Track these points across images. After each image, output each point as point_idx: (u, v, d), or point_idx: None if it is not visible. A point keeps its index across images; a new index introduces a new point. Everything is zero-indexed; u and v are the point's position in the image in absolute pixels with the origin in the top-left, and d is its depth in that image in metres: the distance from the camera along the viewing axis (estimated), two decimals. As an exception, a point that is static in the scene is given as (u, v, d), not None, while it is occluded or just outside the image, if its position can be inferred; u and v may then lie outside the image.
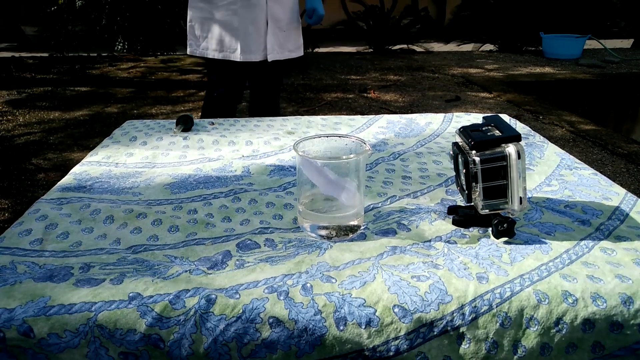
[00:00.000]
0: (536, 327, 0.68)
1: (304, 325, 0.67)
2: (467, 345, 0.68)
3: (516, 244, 0.82)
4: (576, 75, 5.25)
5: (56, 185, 1.06)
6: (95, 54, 6.27)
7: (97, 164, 1.17)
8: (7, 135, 3.40)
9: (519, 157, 0.79)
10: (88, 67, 5.64)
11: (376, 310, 0.68)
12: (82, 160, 1.20)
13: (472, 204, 0.86)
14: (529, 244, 0.82)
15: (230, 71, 2.12)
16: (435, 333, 0.68)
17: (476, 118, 1.52)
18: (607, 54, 6.28)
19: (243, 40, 2.02)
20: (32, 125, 3.64)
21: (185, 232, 0.87)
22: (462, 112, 1.59)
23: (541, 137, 1.38)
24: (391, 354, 0.67)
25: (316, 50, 6.22)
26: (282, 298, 0.69)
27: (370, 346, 0.67)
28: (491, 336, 0.68)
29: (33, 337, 0.65)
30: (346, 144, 0.88)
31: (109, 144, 1.32)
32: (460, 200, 0.99)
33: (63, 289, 0.70)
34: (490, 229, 0.85)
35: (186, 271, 0.75)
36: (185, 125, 1.40)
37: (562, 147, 2.30)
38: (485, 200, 0.82)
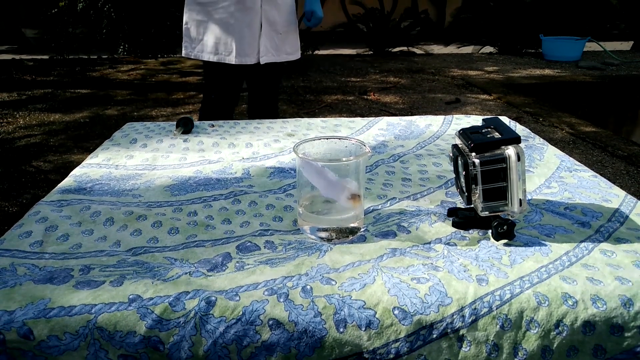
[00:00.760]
0: (536, 329, 0.68)
1: (303, 327, 0.67)
2: (467, 347, 0.68)
3: (516, 246, 0.82)
4: (576, 78, 5.26)
5: (56, 188, 1.06)
6: (96, 57, 6.28)
7: (97, 166, 1.17)
8: (8, 138, 3.40)
9: (518, 159, 0.79)
10: (88, 70, 5.64)
11: (376, 312, 0.68)
12: (82, 163, 1.20)
13: (472, 206, 0.86)
14: (529, 246, 0.82)
15: (226, 74, 2.12)
16: (435, 335, 0.68)
17: (476, 120, 1.52)
18: (606, 56, 6.29)
19: (238, 43, 2.01)
20: (32, 127, 3.64)
21: (185, 234, 0.87)
22: (462, 114, 1.59)
23: (541, 139, 1.38)
24: (391, 356, 0.67)
25: (316, 52, 6.23)
26: (282, 300, 0.69)
27: (370, 348, 0.67)
28: (491, 338, 0.68)
29: (33, 339, 0.65)
30: (346, 146, 0.89)
31: (109, 146, 1.32)
32: (460, 202, 0.99)
33: (63, 291, 0.70)
34: (490, 231, 0.85)
35: (186, 273, 0.75)
36: (185, 127, 1.40)
37: (561, 149, 2.30)
38: (485, 202, 0.82)
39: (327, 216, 0.86)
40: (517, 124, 1.50)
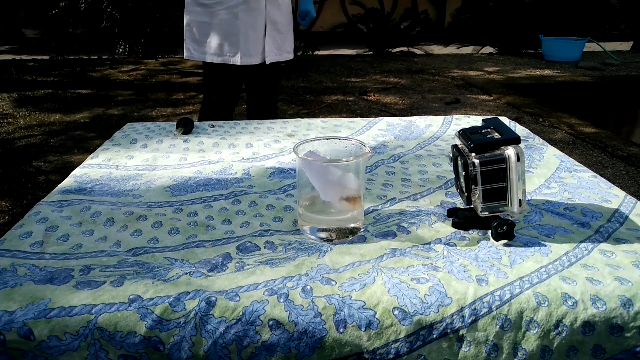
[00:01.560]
0: (536, 329, 0.68)
1: (303, 327, 0.67)
2: (467, 348, 0.68)
3: (516, 246, 0.82)
4: (576, 78, 5.26)
5: (57, 188, 1.06)
6: (96, 57, 6.29)
7: (97, 167, 1.17)
8: (8, 138, 3.40)
9: (518, 159, 0.79)
10: (89, 70, 5.64)
11: (376, 313, 0.68)
12: (83, 163, 1.20)
13: (472, 206, 0.86)
14: (529, 246, 0.82)
15: (229, 75, 2.12)
16: (435, 336, 0.68)
17: (476, 120, 1.52)
18: (606, 56, 6.29)
19: (243, 44, 2.02)
20: (32, 127, 3.64)
21: (185, 234, 0.87)
22: (462, 114, 1.59)
23: (541, 139, 1.38)
24: (391, 356, 0.67)
25: (316, 52, 6.23)
26: (282, 300, 0.69)
27: (370, 349, 0.67)
28: (491, 339, 0.68)
29: (33, 339, 0.65)
30: (346, 147, 0.89)
31: (109, 146, 1.32)
32: (459, 203, 0.99)
33: (63, 292, 0.70)
34: (489, 231, 0.85)
35: (186, 273, 0.75)
36: (186, 127, 1.40)
37: (561, 149, 2.30)
38: (485, 203, 0.82)
39: (327, 216, 0.86)
40: (517, 124, 1.50)
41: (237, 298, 0.69)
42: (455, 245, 0.83)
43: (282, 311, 0.68)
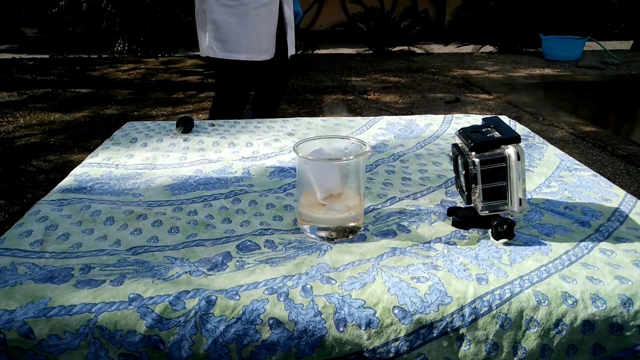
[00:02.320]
0: (536, 328, 0.69)
1: (304, 326, 0.67)
2: (467, 346, 0.68)
3: (516, 245, 0.82)
4: (576, 77, 5.26)
5: (56, 187, 1.06)
6: (96, 56, 6.28)
7: (97, 166, 1.17)
8: (8, 137, 3.40)
9: (518, 158, 0.79)
10: (88, 69, 5.64)
11: (376, 312, 0.68)
12: (83, 162, 1.20)
13: (472, 205, 0.86)
14: (529, 245, 0.82)
15: (249, 71, 2.22)
16: (435, 334, 0.68)
17: (476, 119, 1.52)
18: (606, 55, 6.29)
19: (265, 41, 2.16)
20: (32, 126, 3.64)
21: (185, 233, 0.87)
22: (462, 113, 1.59)
23: (541, 138, 1.38)
24: (391, 355, 0.67)
25: (316, 51, 6.22)
26: (282, 299, 0.69)
27: (370, 347, 0.67)
28: (491, 337, 0.68)
29: (33, 338, 0.65)
30: (346, 146, 0.89)
31: (109, 145, 1.32)
32: (460, 202, 0.99)
33: (63, 290, 0.70)
34: (489, 230, 0.85)
35: (186, 272, 0.75)
36: (186, 126, 1.40)
37: (561, 148, 2.29)
38: (485, 202, 0.82)
39: (327, 215, 0.86)
40: (517, 123, 1.50)
41: (237, 297, 0.69)
42: (455, 244, 0.83)
43: (282, 310, 0.68)
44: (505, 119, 1.45)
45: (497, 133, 0.83)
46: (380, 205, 0.98)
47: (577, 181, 1.08)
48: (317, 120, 1.54)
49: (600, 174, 1.18)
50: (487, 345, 0.68)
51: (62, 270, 0.75)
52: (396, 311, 0.68)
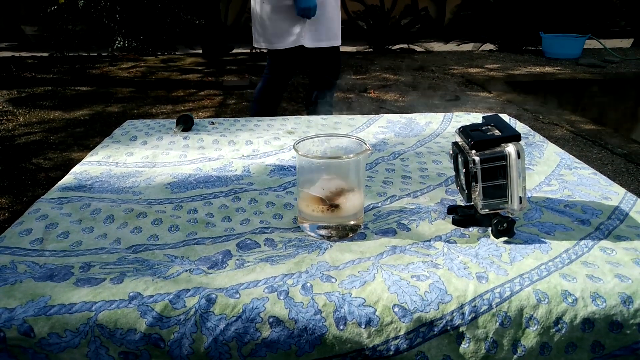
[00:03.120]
0: (536, 326, 0.69)
1: (304, 324, 0.67)
2: (467, 344, 0.68)
3: (516, 243, 0.82)
4: (576, 75, 5.25)
5: (56, 185, 1.06)
6: (96, 54, 6.28)
7: (97, 164, 1.17)
8: (8, 135, 3.40)
9: (518, 156, 0.79)
10: (88, 67, 5.64)
11: (376, 310, 0.68)
12: (83, 160, 1.20)
13: (472, 203, 0.86)
14: (529, 243, 0.82)
15: (292, 59, 2.48)
16: (435, 332, 0.68)
17: (476, 118, 1.52)
18: (606, 53, 6.28)
19: (308, 31, 2.37)
20: (32, 125, 3.64)
21: (185, 231, 0.87)
22: (462, 111, 1.59)
23: (541, 136, 1.38)
24: (391, 353, 0.67)
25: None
26: (282, 297, 0.69)
27: (370, 345, 0.67)
28: (491, 335, 0.68)
29: (33, 336, 0.65)
30: (346, 144, 0.89)
31: (109, 143, 1.32)
32: (460, 200, 0.99)
33: (63, 289, 0.70)
34: (490, 228, 0.85)
35: (186, 271, 0.75)
36: (186, 124, 1.40)
37: (561, 146, 2.29)
38: (485, 200, 0.82)
39: (327, 214, 0.86)
40: (517, 121, 1.50)
41: (237, 295, 0.69)
42: (455, 242, 0.83)
43: (282, 308, 0.68)
44: (505, 117, 1.45)
45: (497, 131, 0.83)
46: (380, 204, 0.98)
47: (577, 179, 1.08)
48: (317, 118, 1.54)
49: (601, 172, 1.18)
50: (487, 343, 0.68)
51: (62, 269, 0.75)
52: (396, 309, 0.68)
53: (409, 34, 6.95)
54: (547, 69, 5.61)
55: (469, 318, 0.68)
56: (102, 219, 0.91)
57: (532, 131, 1.43)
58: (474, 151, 0.81)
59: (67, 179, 1.09)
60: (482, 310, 0.69)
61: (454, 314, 0.68)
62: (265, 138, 1.34)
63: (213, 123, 1.47)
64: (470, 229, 0.88)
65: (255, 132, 1.40)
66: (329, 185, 0.84)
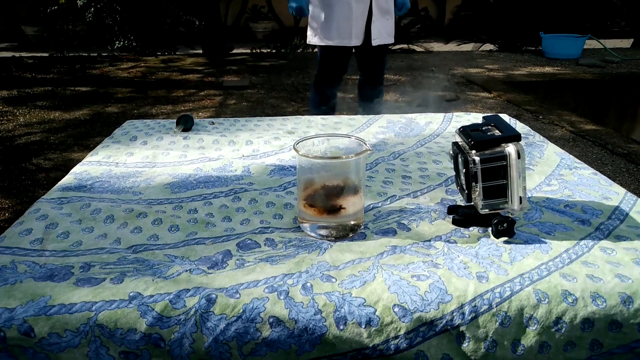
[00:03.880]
0: (535, 326, 0.69)
1: (304, 324, 0.67)
2: (467, 344, 0.68)
3: (516, 243, 0.82)
4: (576, 75, 5.25)
5: (56, 185, 1.06)
6: (96, 54, 6.28)
7: (97, 164, 1.17)
8: (8, 135, 3.40)
9: (518, 156, 0.79)
10: (88, 67, 5.64)
11: (376, 310, 0.68)
12: (83, 160, 1.20)
13: (472, 203, 0.86)
14: (529, 243, 0.82)
15: (341, 55, 2.61)
16: (435, 332, 0.68)
17: (476, 118, 1.52)
18: (607, 53, 6.28)
19: (355, 29, 2.47)
20: (32, 125, 3.64)
21: (185, 231, 0.87)
22: (462, 112, 1.59)
23: (541, 136, 1.38)
24: (391, 352, 0.67)
25: (316, 50, 6.21)
26: (282, 297, 0.69)
27: (370, 345, 0.67)
28: (491, 335, 0.68)
29: (33, 336, 0.65)
30: (346, 144, 0.89)
31: (109, 143, 1.32)
32: (460, 200, 0.99)
33: (63, 289, 0.70)
34: (490, 228, 0.85)
35: (186, 271, 0.75)
36: (186, 125, 1.40)
37: (562, 146, 2.29)
38: (485, 200, 0.82)
39: (327, 214, 0.86)
40: (517, 121, 1.50)
41: (238, 295, 0.69)
42: (455, 242, 0.83)
43: (283, 308, 0.68)
44: (505, 117, 1.45)
45: (497, 131, 0.83)
46: (380, 204, 0.98)
47: (577, 179, 1.08)
48: (317, 118, 1.54)
49: (601, 172, 1.18)
50: (487, 342, 0.68)
51: (62, 269, 0.75)
52: (396, 309, 0.68)
53: (409, 34, 6.95)
54: (547, 69, 5.62)
55: (469, 318, 0.68)
56: (102, 219, 0.91)
57: (532, 131, 1.43)
58: (474, 151, 0.81)
59: (67, 179, 1.09)
60: (482, 310, 0.69)
61: (454, 314, 0.68)
62: (266, 138, 1.34)
63: (213, 123, 1.47)
64: (471, 229, 0.88)
65: (255, 132, 1.40)
66: (329, 186, 0.84)
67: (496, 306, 0.69)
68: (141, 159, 1.21)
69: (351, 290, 0.70)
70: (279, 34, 7.53)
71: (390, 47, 2.96)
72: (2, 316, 0.66)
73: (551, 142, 1.35)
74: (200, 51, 6.54)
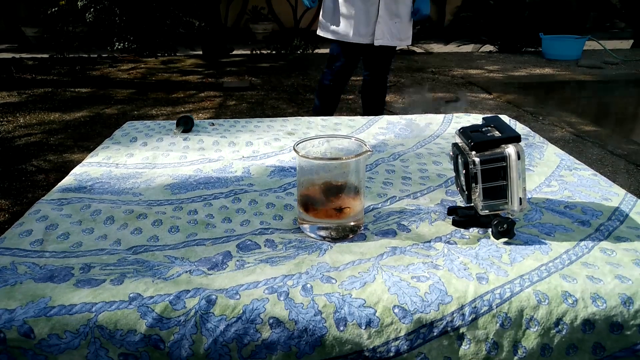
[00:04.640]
0: (536, 327, 0.68)
1: (304, 325, 0.67)
2: (467, 346, 0.68)
3: (516, 244, 0.82)
4: (576, 76, 5.26)
5: (57, 186, 1.06)
6: (96, 55, 6.28)
7: (97, 165, 1.17)
8: (8, 137, 3.40)
9: (518, 157, 0.79)
10: (88, 68, 5.64)
11: (376, 311, 0.68)
12: (83, 161, 1.20)
13: (472, 204, 0.86)
14: (529, 244, 0.82)
15: (346, 50, 2.64)
16: (435, 334, 0.68)
17: (476, 119, 1.52)
18: (606, 55, 6.29)
19: (355, 26, 2.53)
20: (32, 126, 3.64)
21: (185, 232, 0.87)
22: (462, 113, 1.59)
23: (541, 137, 1.38)
24: (391, 354, 0.67)
25: (316, 51, 6.22)
26: (282, 299, 0.69)
27: (371, 347, 0.67)
28: (491, 337, 0.68)
29: (33, 338, 0.65)
30: (346, 145, 0.89)
31: (109, 144, 1.32)
32: (460, 201, 0.99)
33: (63, 290, 0.70)
34: (490, 229, 0.85)
35: (186, 272, 0.75)
36: (186, 126, 1.40)
37: (561, 147, 2.28)
38: (485, 201, 0.82)
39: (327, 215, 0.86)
40: (517, 122, 1.50)
41: (238, 296, 0.69)
42: (455, 243, 0.83)
43: (283, 309, 0.68)
44: (505, 118, 1.45)
45: (497, 132, 0.83)
46: (380, 205, 0.98)
47: (577, 180, 1.08)
48: (317, 119, 1.54)
49: (601, 173, 1.18)
50: (488, 344, 0.68)
51: (62, 270, 0.75)
52: (396, 310, 0.68)
53: (408, 35, 6.94)
54: (547, 70, 5.62)
55: (469, 319, 0.68)
56: (103, 220, 0.91)
57: (532, 132, 1.43)
58: (474, 152, 0.81)
59: (67, 180, 1.09)
60: (482, 311, 0.69)
61: (454, 315, 0.68)
62: (266, 139, 1.34)
63: (213, 124, 1.47)
64: (471, 230, 0.87)
65: (255, 134, 1.40)
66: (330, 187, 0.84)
67: (496, 307, 0.69)
68: (141, 160, 1.21)
69: (351, 291, 0.70)
70: (279, 35, 7.54)
71: (397, 50, 3.00)
72: (2, 317, 0.66)
73: (551, 143, 1.35)
74: (200, 52, 6.55)
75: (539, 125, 3.64)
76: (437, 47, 7.37)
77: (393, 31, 2.57)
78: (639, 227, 0.88)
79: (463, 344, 0.68)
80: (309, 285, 0.71)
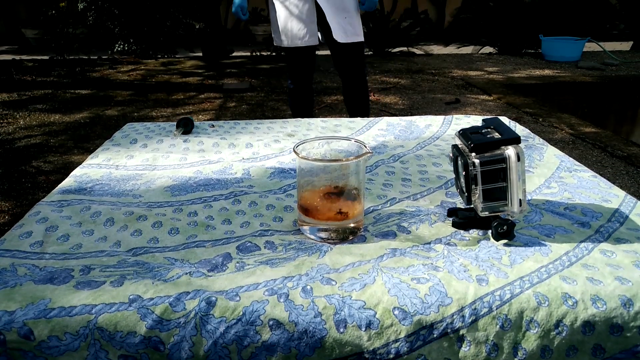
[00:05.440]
0: (536, 329, 0.68)
1: (304, 327, 0.67)
2: (467, 347, 0.68)
3: (516, 246, 0.82)
4: (575, 78, 5.26)
5: (57, 188, 1.06)
6: (96, 57, 6.29)
7: (97, 167, 1.17)
8: (8, 138, 3.40)
9: (518, 159, 0.79)
10: (88, 70, 5.64)
11: (376, 313, 0.68)
12: (83, 163, 1.20)
13: (472, 206, 0.86)
14: (529, 246, 0.82)
15: (299, 56, 2.59)
16: (435, 335, 0.68)
17: (476, 120, 1.52)
18: (606, 56, 6.29)
19: (297, 29, 2.44)
20: (32, 128, 3.64)
21: (185, 234, 0.87)
22: (462, 114, 1.59)
23: (541, 139, 1.38)
24: (391, 356, 0.67)
25: (316, 52, 6.22)
26: (282, 300, 0.69)
27: (371, 348, 0.67)
28: (491, 338, 0.68)
29: (33, 339, 0.65)
30: (346, 147, 0.89)
31: (109, 146, 1.32)
32: (460, 203, 0.99)
33: (63, 292, 0.70)
34: (490, 231, 0.85)
35: (186, 273, 0.75)
36: (186, 127, 1.40)
37: (561, 149, 2.29)
38: (485, 203, 0.82)
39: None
40: (517, 124, 1.50)
41: (237, 298, 0.69)
42: (455, 245, 0.83)
43: (283, 311, 0.68)
44: (505, 119, 1.45)
45: (497, 134, 0.83)
46: (380, 206, 0.98)
47: (577, 182, 1.08)
48: (317, 121, 1.54)
49: (600, 174, 1.18)
50: (488, 346, 0.68)
51: (62, 272, 0.75)
52: (396, 312, 0.68)
53: (408, 37, 6.96)
54: (547, 71, 5.62)
55: (469, 321, 0.68)
56: (102, 222, 0.91)
57: (532, 134, 1.43)
58: (474, 154, 0.81)
59: (68, 182, 1.09)
60: (482, 313, 0.69)
61: (454, 317, 0.68)
62: (266, 141, 1.34)
63: (213, 126, 1.47)
64: (471, 231, 0.88)
65: (255, 135, 1.40)
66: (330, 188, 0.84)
67: (496, 309, 0.69)
68: (141, 161, 1.21)
69: (351, 293, 0.70)
70: (279, 36, 7.54)
71: (366, 48, 2.93)
72: (2, 319, 0.66)
73: (551, 144, 1.36)
74: (200, 54, 6.55)
75: (538, 127, 3.64)
76: (436, 49, 7.38)
77: (345, 27, 2.39)
78: (639, 229, 0.88)
79: (463, 345, 0.68)
80: (309, 287, 0.71)
